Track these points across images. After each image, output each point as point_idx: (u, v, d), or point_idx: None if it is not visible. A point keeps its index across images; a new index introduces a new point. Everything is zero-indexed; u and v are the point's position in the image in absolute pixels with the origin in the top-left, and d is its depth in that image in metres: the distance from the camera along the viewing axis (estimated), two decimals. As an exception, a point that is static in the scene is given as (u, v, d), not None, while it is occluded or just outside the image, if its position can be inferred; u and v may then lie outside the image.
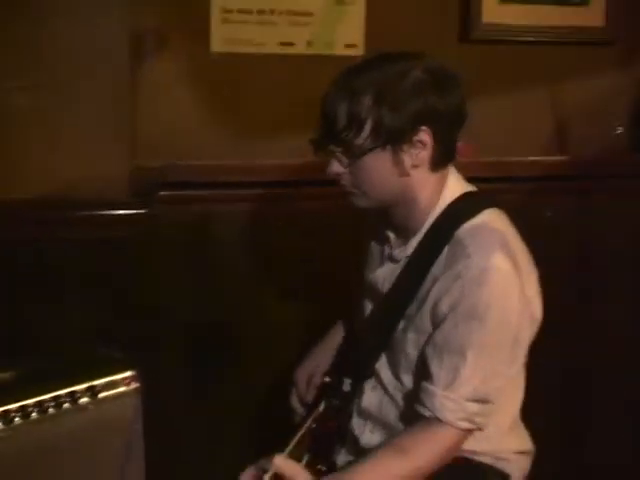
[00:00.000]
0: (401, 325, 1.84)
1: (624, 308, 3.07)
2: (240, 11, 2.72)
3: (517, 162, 2.93)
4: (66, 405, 1.98)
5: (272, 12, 2.76)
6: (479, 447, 1.86)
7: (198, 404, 2.64)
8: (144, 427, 2.13)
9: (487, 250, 1.69)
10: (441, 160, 1.81)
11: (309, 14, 2.80)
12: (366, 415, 1.95)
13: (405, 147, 1.73)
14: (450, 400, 1.69)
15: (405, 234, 1.87)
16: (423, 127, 1.72)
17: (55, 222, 2.39)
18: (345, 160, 1.77)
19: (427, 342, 1.76)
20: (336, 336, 2.24)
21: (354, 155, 1.74)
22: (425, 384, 1.73)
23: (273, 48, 2.76)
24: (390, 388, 1.89)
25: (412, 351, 1.81)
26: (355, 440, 1.96)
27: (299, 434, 1.91)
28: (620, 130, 3.13)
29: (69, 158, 2.40)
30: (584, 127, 3.08)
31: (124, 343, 2.27)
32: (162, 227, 2.50)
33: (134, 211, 2.45)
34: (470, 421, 1.72)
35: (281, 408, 2.29)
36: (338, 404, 1.99)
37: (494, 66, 2.96)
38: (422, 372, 1.77)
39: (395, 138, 1.71)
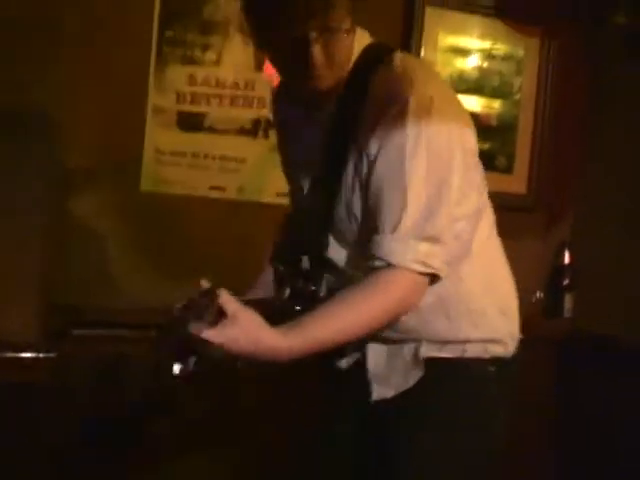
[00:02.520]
0: (344, 188, 1.69)
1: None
2: (173, 153, 2.75)
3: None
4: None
5: (205, 156, 2.79)
6: (469, 334, 1.75)
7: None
8: None
9: (404, 86, 1.61)
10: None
11: (242, 160, 2.83)
12: None
13: None
14: (397, 241, 1.57)
15: (320, 96, 1.70)
16: None
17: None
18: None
19: (369, 191, 1.64)
20: None
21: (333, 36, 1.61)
22: (373, 237, 1.61)
23: (204, 192, 2.79)
24: (349, 270, 1.74)
25: (359, 212, 1.68)
26: None
27: None
28: (539, 295, 3.19)
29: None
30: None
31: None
32: (74, 367, 2.42)
33: (44, 354, 2.36)
34: (423, 263, 1.58)
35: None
36: (302, 285, 1.75)
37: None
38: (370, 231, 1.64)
39: None
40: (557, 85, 3.27)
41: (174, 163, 2.75)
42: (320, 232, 1.73)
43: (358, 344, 1.78)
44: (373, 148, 1.62)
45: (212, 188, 2.80)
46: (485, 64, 3.20)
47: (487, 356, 1.78)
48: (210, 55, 2.79)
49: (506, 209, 3.19)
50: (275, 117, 1.98)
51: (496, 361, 1.79)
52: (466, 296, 1.75)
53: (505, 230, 3.19)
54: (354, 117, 1.66)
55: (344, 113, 1.68)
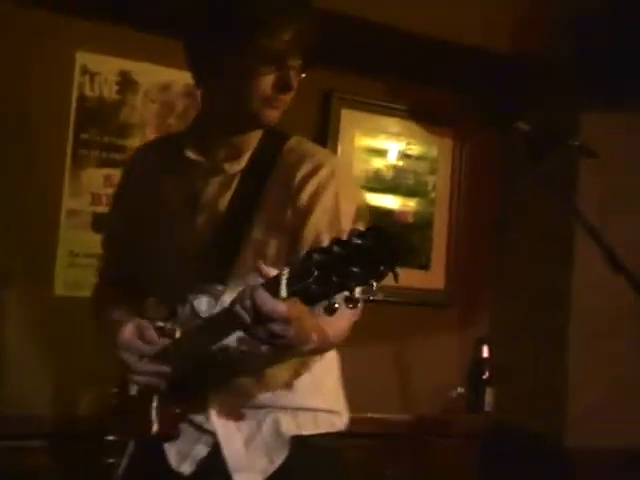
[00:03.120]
0: (253, 236, 1.77)
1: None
2: (88, 255, 2.72)
3: (358, 418, 2.90)
4: None
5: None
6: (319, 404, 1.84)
7: None
8: None
9: (328, 154, 1.90)
10: None
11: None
12: None
13: None
14: None
15: (237, 148, 1.81)
16: None
17: None
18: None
19: (303, 235, 1.75)
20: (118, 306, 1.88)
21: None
22: None
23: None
24: None
25: (273, 254, 1.76)
26: None
27: None
28: (460, 390, 3.21)
29: None
30: (425, 386, 3.15)
31: None
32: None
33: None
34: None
35: None
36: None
37: (339, 323, 3.02)
38: None
39: None
40: (470, 183, 3.37)
41: (89, 265, 2.71)
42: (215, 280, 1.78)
43: (198, 441, 1.76)
44: (307, 201, 1.77)
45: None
46: (400, 163, 3.28)
47: (334, 430, 1.87)
48: (126, 157, 2.79)
49: (424, 305, 3.27)
50: (138, 171, 1.94)
51: (340, 435, 1.89)
52: (323, 367, 1.85)
53: (424, 326, 3.26)
54: (265, 176, 1.80)
55: (256, 172, 1.81)
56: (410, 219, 3.27)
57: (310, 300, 1.36)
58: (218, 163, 1.82)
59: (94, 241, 2.69)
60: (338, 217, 1.76)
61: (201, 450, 1.76)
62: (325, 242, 1.63)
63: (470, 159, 3.36)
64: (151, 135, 2.82)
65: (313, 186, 1.77)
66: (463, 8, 2.89)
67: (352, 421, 2.84)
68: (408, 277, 3.21)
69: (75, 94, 2.74)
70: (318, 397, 1.84)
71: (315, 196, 1.77)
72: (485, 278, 3.40)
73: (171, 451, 1.75)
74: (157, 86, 2.85)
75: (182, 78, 2.84)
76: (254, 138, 1.83)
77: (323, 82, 3.08)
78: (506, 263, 3.41)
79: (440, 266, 3.30)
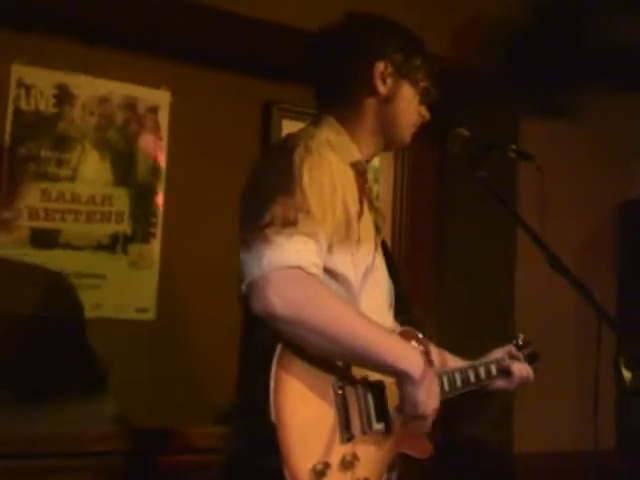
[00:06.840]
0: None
1: None
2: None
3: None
4: None
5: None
6: None
7: None
8: None
9: None
10: None
11: (101, 276, 2.76)
12: None
13: None
14: None
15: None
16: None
17: None
18: None
19: None
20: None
21: None
22: None
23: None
24: None
25: None
26: None
27: None
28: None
29: None
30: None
31: None
32: None
33: None
34: None
35: None
36: None
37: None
38: None
39: None
40: (412, 191, 3.39)
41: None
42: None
43: None
44: None
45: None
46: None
47: None
48: (65, 171, 2.74)
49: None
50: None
51: None
52: None
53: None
54: None
55: None
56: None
57: None
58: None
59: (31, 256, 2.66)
60: None
61: None
62: None
63: (411, 167, 3.37)
64: (91, 148, 2.78)
65: None
66: (400, 14, 2.90)
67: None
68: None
69: (11, 108, 2.68)
70: None
71: None
72: (429, 287, 3.40)
73: None
74: (95, 99, 2.80)
75: (120, 90, 2.82)
76: None
77: (264, 94, 3.08)
78: (449, 272, 3.43)
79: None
